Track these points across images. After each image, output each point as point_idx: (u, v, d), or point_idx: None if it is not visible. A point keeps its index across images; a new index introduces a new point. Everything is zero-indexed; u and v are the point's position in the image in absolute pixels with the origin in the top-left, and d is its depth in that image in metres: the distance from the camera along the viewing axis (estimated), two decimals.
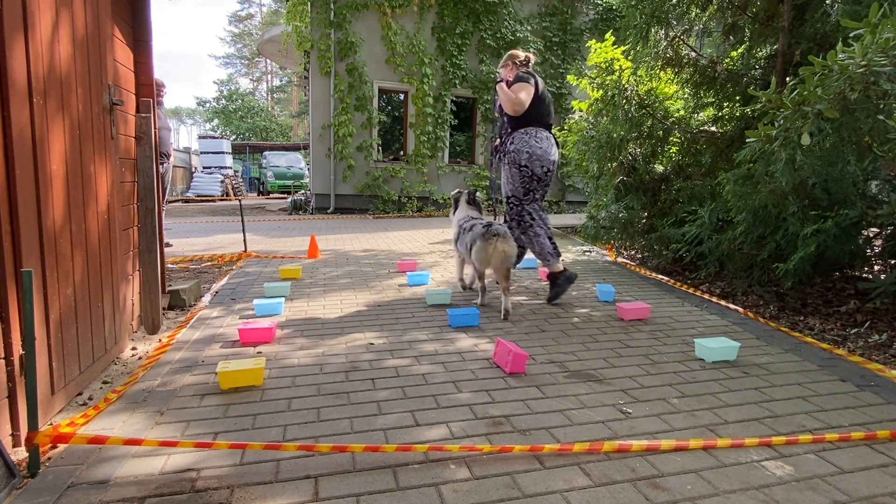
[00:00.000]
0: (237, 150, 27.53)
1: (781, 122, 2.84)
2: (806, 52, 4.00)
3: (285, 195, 18.60)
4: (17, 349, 1.76)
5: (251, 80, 50.33)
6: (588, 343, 2.88)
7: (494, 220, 3.76)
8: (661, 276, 4.59)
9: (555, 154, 3.75)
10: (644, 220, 5.19)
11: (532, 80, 3.68)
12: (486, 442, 1.82)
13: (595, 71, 4.97)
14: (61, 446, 1.75)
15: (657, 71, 4.98)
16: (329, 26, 10.77)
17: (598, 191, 5.63)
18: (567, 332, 3.06)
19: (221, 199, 17.59)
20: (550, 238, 3.73)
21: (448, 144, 12.13)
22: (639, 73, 4.87)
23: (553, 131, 3.88)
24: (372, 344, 2.84)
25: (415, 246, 6.40)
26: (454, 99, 11.95)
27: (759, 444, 1.80)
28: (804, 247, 3.34)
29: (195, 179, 19.53)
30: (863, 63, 2.43)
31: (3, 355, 1.72)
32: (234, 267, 5.00)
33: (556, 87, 12.43)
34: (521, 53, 3.90)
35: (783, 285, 3.64)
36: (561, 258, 3.74)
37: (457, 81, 11.73)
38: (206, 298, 3.80)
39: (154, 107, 3.13)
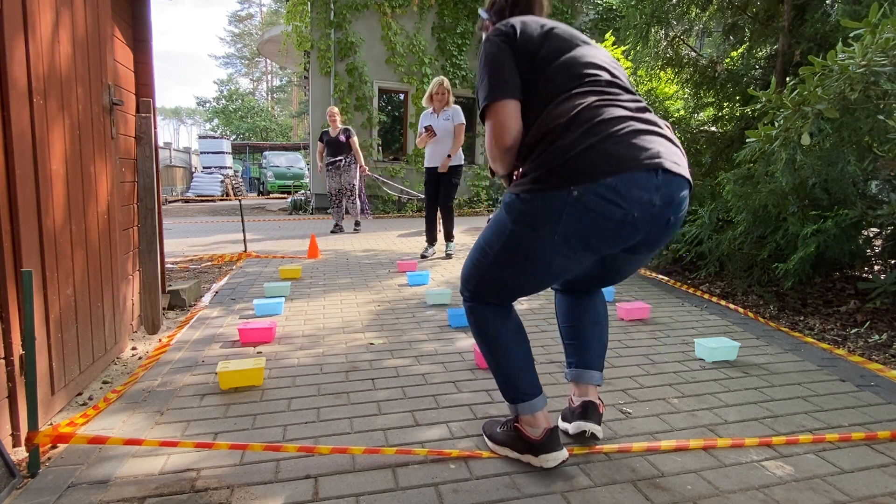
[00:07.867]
0: (237, 150, 27.51)
1: (781, 122, 2.84)
2: (806, 52, 4.00)
3: (285, 195, 18.59)
4: (17, 349, 1.76)
5: (251, 80, 50.37)
6: None
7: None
8: (661, 276, 4.59)
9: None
10: None
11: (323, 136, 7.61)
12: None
13: None
14: (61, 446, 1.75)
15: (657, 71, 4.98)
16: (329, 26, 10.77)
17: None
18: None
19: (221, 199, 17.59)
20: (338, 213, 7.82)
21: None
22: (639, 73, 4.87)
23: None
24: (372, 344, 2.84)
25: (415, 246, 6.40)
26: (454, 99, 11.93)
27: (759, 444, 1.80)
28: (804, 247, 3.33)
29: (195, 179, 19.52)
30: (863, 63, 2.43)
31: (3, 355, 1.72)
32: (234, 267, 5.00)
33: None
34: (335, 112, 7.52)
35: (783, 285, 3.64)
36: (337, 222, 7.72)
37: (457, 81, 11.73)
38: (206, 298, 3.80)
39: (154, 107, 3.14)
